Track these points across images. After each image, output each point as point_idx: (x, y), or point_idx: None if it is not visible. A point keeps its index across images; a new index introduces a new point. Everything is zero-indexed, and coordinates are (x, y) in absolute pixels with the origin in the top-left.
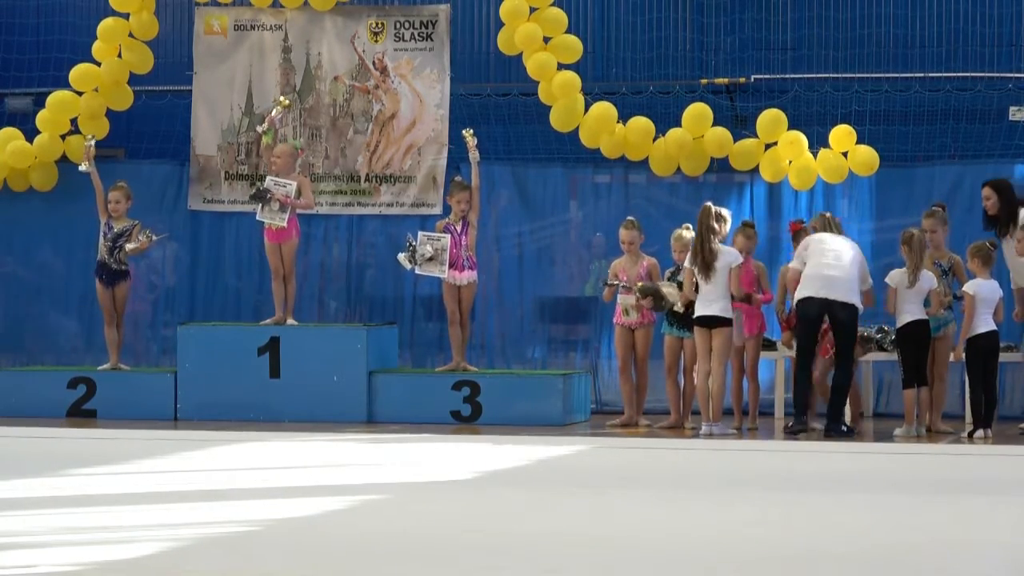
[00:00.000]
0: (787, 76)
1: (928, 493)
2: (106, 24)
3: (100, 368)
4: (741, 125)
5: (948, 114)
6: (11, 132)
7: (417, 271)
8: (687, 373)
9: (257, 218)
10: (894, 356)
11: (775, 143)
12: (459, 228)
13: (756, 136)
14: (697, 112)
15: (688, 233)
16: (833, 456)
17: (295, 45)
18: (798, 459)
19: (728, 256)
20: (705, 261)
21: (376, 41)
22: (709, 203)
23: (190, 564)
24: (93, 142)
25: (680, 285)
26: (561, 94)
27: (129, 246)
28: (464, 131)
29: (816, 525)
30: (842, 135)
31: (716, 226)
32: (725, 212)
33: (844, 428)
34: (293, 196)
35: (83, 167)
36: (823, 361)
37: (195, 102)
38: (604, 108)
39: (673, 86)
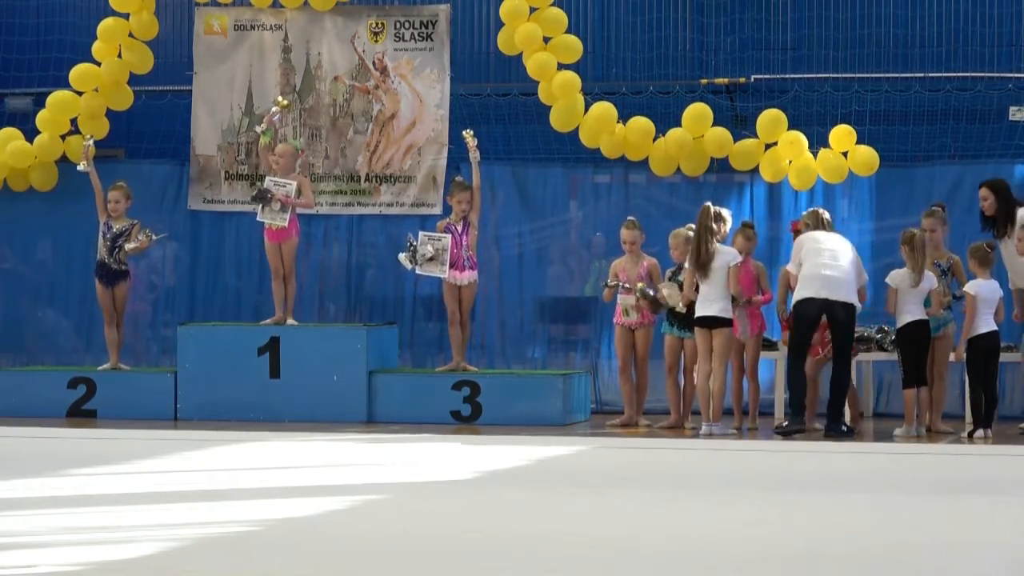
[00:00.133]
0: (787, 76)
1: (928, 493)
2: (106, 24)
3: (100, 368)
4: (741, 125)
5: (948, 114)
6: (11, 132)
7: (418, 271)
8: (687, 373)
9: (258, 219)
10: (894, 356)
11: (775, 143)
12: (460, 228)
13: (756, 136)
14: (697, 112)
15: (684, 232)
16: (833, 456)
17: (295, 45)
18: (798, 459)
19: (726, 256)
20: (702, 261)
21: (376, 41)
22: (709, 203)
23: (190, 564)
24: (91, 142)
25: (680, 285)
26: (561, 94)
27: (129, 246)
28: (464, 132)
29: (816, 525)
30: (842, 135)
31: (715, 226)
32: (725, 212)
33: (844, 428)
34: (293, 196)
35: (82, 167)
36: (812, 361)
37: (195, 102)
38: (604, 108)
39: (673, 86)
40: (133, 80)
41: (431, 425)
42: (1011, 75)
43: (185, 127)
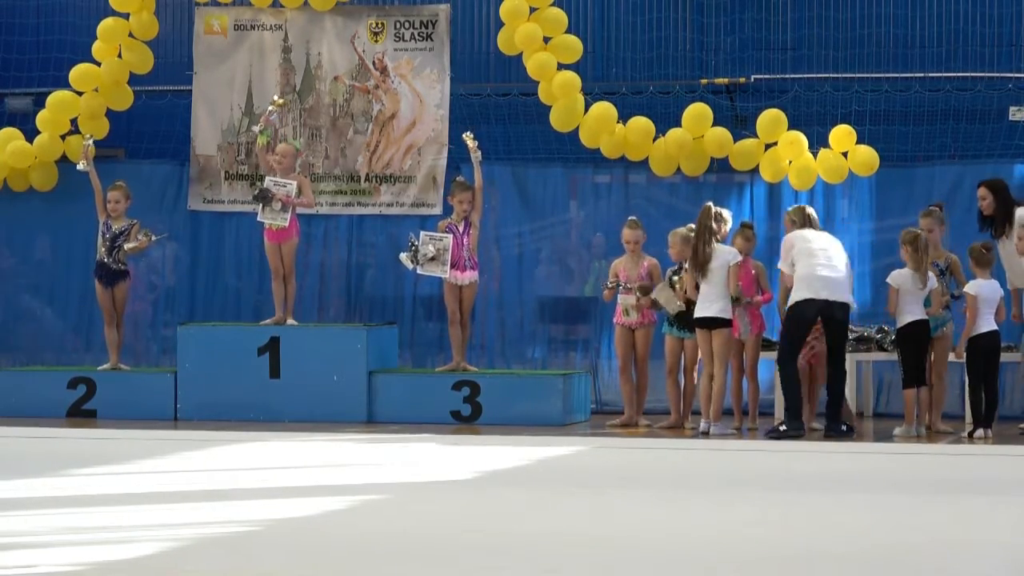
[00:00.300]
0: (787, 76)
1: (928, 493)
2: (106, 24)
3: (100, 368)
4: (741, 125)
5: (948, 114)
6: (11, 132)
7: (419, 271)
8: (687, 373)
9: (258, 219)
10: (894, 356)
11: (775, 143)
12: (461, 228)
13: (756, 136)
14: (697, 112)
15: (683, 231)
16: (833, 456)
17: (295, 45)
18: (798, 459)
19: (726, 255)
20: (701, 260)
21: (376, 41)
22: (710, 203)
23: (190, 564)
24: (91, 142)
25: (675, 287)
26: (561, 94)
27: (128, 246)
28: (464, 135)
29: (816, 525)
30: (842, 135)
31: (715, 226)
32: (726, 213)
33: (844, 427)
34: (294, 196)
35: (82, 166)
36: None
37: (195, 102)
38: (604, 108)
39: (673, 86)
40: (133, 80)
41: (431, 425)
42: (1011, 75)
43: (185, 127)
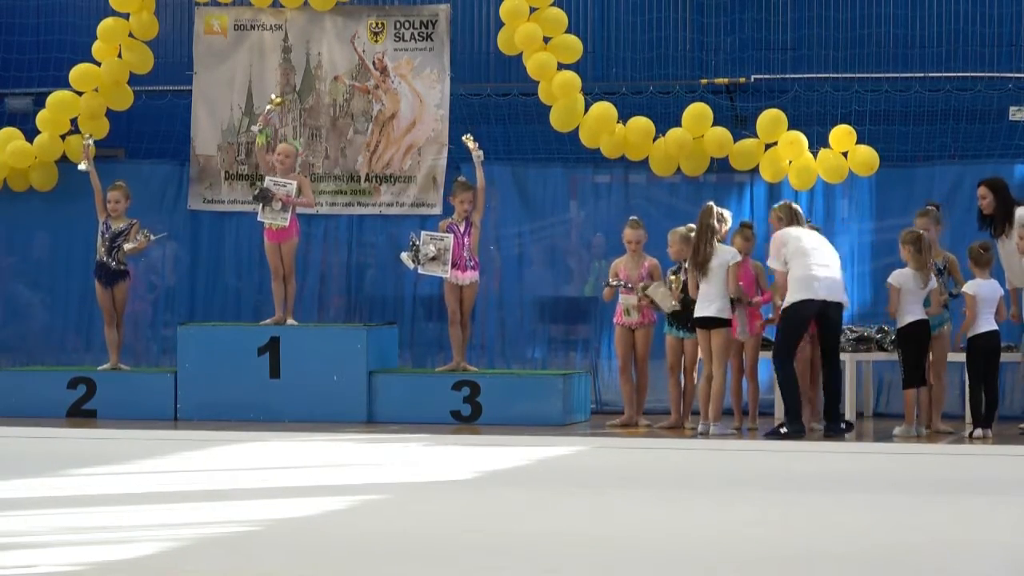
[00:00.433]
0: (787, 76)
1: (928, 493)
2: (106, 24)
3: (100, 368)
4: (741, 125)
5: (948, 114)
6: (11, 132)
7: (420, 270)
8: (687, 373)
9: (258, 219)
10: (894, 356)
11: (775, 143)
12: (462, 228)
13: (756, 136)
14: (697, 112)
15: (682, 231)
16: (833, 456)
17: (295, 45)
18: (798, 459)
19: (725, 255)
20: (701, 260)
21: (376, 41)
22: (711, 203)
23: (190, 564)
24: (91, 142)
25: (671, 285)
26: (561, 94)
27: (127, 246)
28: (464, 137)
29: (816, 525)
30: (842, 135)
31: (716, 226)
32: (726, 213)
33: (844, 425)
34: (294, 196)
35: (82, 166)
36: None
37: (195, 102)
38: (604, 108)
39: (673, 86)
40: (133, 80)
41: (431, 425)
42: (1011, 75)
43: (185, 127)
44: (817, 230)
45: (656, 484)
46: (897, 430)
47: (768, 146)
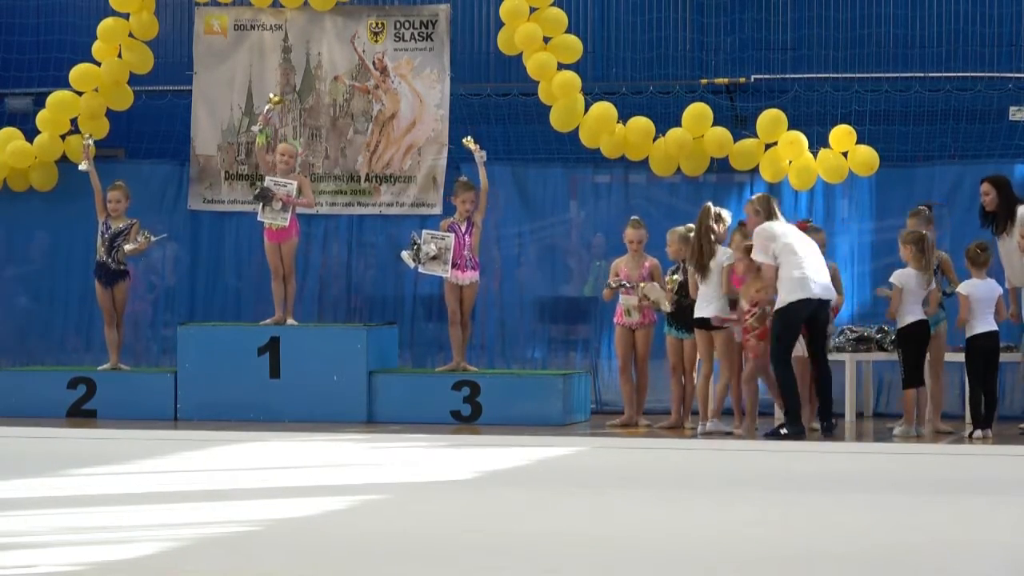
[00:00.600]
0: (787, 76)
1: (928, 493)
2: (106, 24)
3: (100, 368)
4: (741, 125)
5: (948, 114)
6: (11, 132)
7: (420, 269)
8: (687, 374)
9: (258, 219)
10: (894, 356)
11: (775, 143)
12: (463, 228)
13: (756, 136)
14: (697, 112)
15: (681, 230)
16: (833, 456)
17: (295, 45)
18: (798, 459)
19: (723, 256)
20: (700, 261)
21: (376, 41)
22: (710, 203)
23: (190, 564)
24: (91, 141)
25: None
26: (561, 94)
27: (128, 247)
28: (464, 140)
29: (816, 525)
30: (842, 135)
31: (715, 226)
32: (725, 213)
33: (833, 423)
34: (294, 195)
35: (82, 166)
36: (758, 362)
37: (195, 102)
38: (604, 108)
39: (673, 86)
40: (133, 80)
41: (431, 425)
42: (1011, 75)
43: (185, 127)
44: (819, 230)
45: (656, 484)
46: (897, 430)
47: (768, 146)
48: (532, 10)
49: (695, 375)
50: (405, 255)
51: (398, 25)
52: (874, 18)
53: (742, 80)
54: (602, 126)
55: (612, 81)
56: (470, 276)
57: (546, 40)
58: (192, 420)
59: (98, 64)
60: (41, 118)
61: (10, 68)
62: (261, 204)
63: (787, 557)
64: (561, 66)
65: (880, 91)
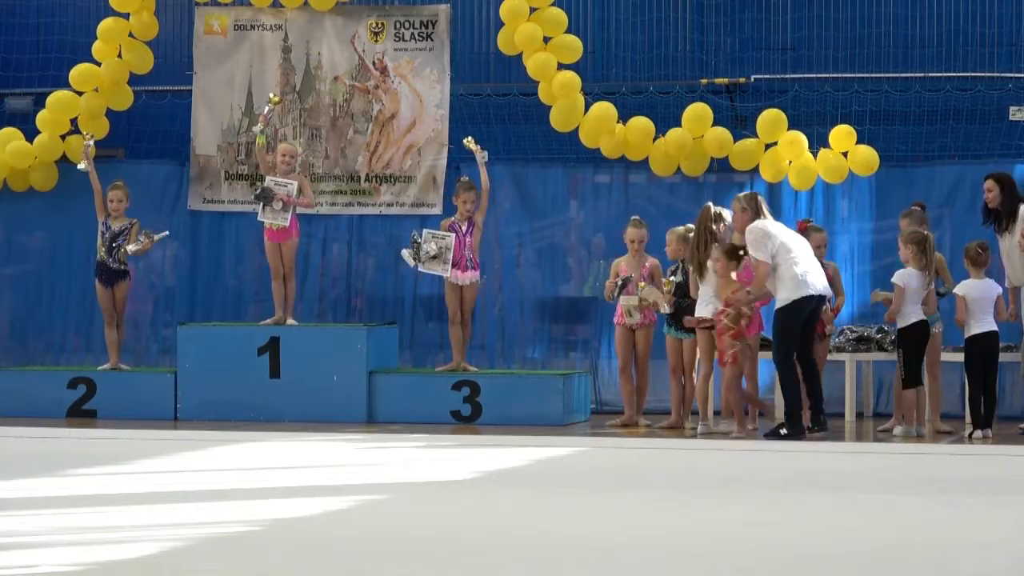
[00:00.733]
0: (787, 76)
1: (928, 493)
2: (106, 24)
3: (100, 368)
4: (741, 125)
5: (948, 114)
6: (11, 132)
7: (420, 268)
8: (687, 374)
9: (259, 219)
10: (894, 356)
11: (775, 143)
12: (464, 228)
13: (756, 136)
14: (697, 112)
15: (680, 230)
16: (833, 456)
17: (295, 45)
18: (798, 459)
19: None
20: (699, 261)
21: (376, 41)
22: (710, 203)
23: (190, 564)
24: (92, 141)
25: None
26: (561, 94)
27: (132, 248)
28: (465, 141)
29: (816, 525)
30: (842, 135)
31: (714, 227)
32: (725, 213)
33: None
34: (294, 195)
35: (82, 166)
36: (735, 368)
37: (195, 102)
38: (604, 108)
39: (673, 86)
40: (133, 80)
41: (431, 425)
42: (1011, 75)
43: (185, 127)
44: (819, 230)
45: (656, 484)
46: (897, 430)
47: (768, 146)
48: (532, 10)
49: (695, 375)
50: (405, 253)
51: (398, 25)
52: (874, 18)
53: (742, 80)
54: (602, 126)
55: (612, 81)
56: (471, 276)
57: (546, 40)
58: (192, 420)
59: (98, 64)
60: (41, 118)
61: (10, 68)
62: (261, 204)
63: (787, 557)
64: (561, 66)
65: (880, 91)
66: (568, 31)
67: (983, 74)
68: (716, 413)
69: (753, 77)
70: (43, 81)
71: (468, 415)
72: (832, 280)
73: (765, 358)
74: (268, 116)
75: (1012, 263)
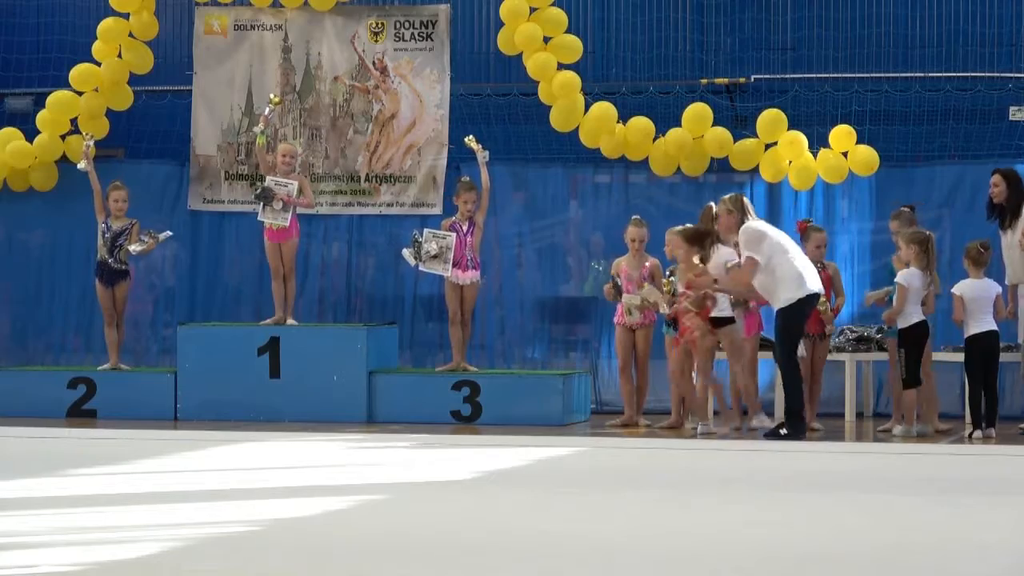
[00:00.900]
0: (787, 76)
1: (928, 493)
2: (106, 24)
3: (100, 368)
4: (741, 125)
5: (948, 114)
6: (11, 132)
7: (421, 268)
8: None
9: (259, 219)
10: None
11: (775, 143)
12: (465, 228)
13: (756, 136)
14: (697, 112)
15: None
16: (833, 456)
17: (295, 45)
18: (798, 459)
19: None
20: (700, 261)
21: (376, 41)
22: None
23: (190, 564)
24: (92, 141)
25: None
26: (561, 94)
27: (136, 248)
28: (466, 139)
29: (816, 525)
30: (842, 135)
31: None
32: None
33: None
34: (295, 196)
35: (82, 166)
36: (683, 352)
37: (195, 102)
38: (604, 108)
39: (673, 86)
40: (133, 80)
41: (431, 425)
42: (1011, 75)
43: (185, 127)
44: (819, 230)
45: (656, 484)
46: (897, 430)
47: (768, 146)
48: (532, 10)
49: (694, 375)
50: (406, 253)
51: (398, 25)
52: (874, 18)
53: (742, 80)
54: (602, 126)
55: (612, 81)
56: (471, 276)
57: (546, 40)
58: (192, 420)
59: (98, 64)
60: (41, 118)
61: (10, 68)
62: (261, 204)
63: (787, 557)
64: (561, 66)
65: (880, 91)
66: (568, 31)
67: (983, 74)
68: (716, 413)
69: (753, 77)
70: (43, 81)
71: (468, 415)
72: (832, 280)
73: (765, 358)
74: (268, 116)
75: (1012, 260)
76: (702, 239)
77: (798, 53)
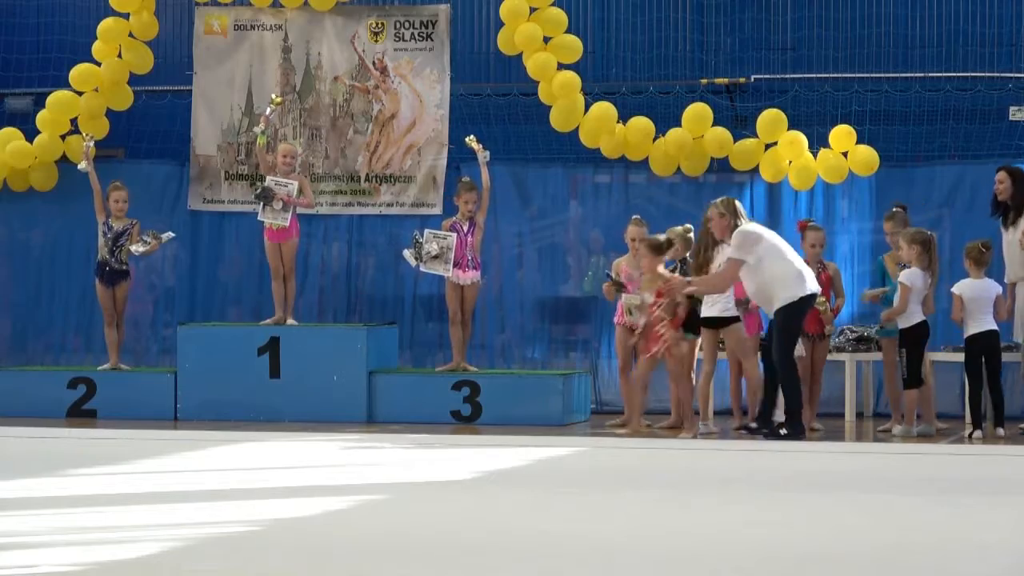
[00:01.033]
0: (787, 76)
1: (928, 493)
2: (106, 24)
3: (100, 368)
4: (741, 125)
5: (948, 114)
6: (11, 132)
7: (422, 268)
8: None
9: (259, 218)
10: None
11: (775, 143)
12: (466, 228)
13: (756, 136)
14: (697, 112)
15: (679, 230)
16: (833, 456)
17: (295, 45)
18: (798, 459)
19: (725, 256)
20: (701, 261)
21: (376, 41)
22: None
23: (190, 564)
24: (92, 142)
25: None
26: (561, 94)
27: (138, 249)
28: (467, 139)
29: (816, 525)
30: (842, 135)
31: None
32: None
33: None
34: (295, 195)
35: (82, 166)
36: (649, 361)
37: (195, 102)
38: (604, 108)
39: (673, 86)
40: (133, 80)
41: (431, 425)
42: (1011, 75)
43: (185, 127)
44: (819, 230)
45: (656, 484)
46: (897, 430)
47: (768, 146)
48: (532, 10)
49: (694, 375)
50: (407, 253)
51: (398, 25)
52: (874, 18)
53: (742, 80)
54: (602, 126)
55: (612, 81)
56: (471, 276)
57: (546, 40)
58: (192, 420)
59: (98, 64)
60: (41, 118)
61: (10, 68)
62: (262, 204)
63: (787, 557)
64: (561, 66)
65: (880, 91)
66: (568, 31)
67: (983, 74)
68: (716, 413)
69: (753, 77)
70: (43, 81)
71: (468, 415)
72: (832, 280)
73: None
74: (269, 117)
75: (1011, 258)
76: (666, 249)
77: (798, 53)
